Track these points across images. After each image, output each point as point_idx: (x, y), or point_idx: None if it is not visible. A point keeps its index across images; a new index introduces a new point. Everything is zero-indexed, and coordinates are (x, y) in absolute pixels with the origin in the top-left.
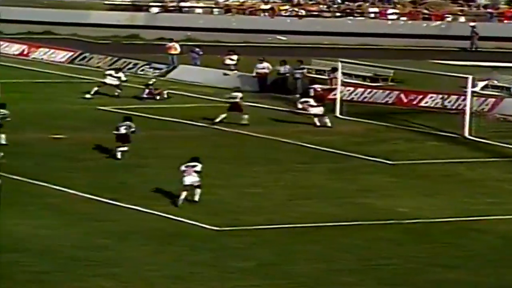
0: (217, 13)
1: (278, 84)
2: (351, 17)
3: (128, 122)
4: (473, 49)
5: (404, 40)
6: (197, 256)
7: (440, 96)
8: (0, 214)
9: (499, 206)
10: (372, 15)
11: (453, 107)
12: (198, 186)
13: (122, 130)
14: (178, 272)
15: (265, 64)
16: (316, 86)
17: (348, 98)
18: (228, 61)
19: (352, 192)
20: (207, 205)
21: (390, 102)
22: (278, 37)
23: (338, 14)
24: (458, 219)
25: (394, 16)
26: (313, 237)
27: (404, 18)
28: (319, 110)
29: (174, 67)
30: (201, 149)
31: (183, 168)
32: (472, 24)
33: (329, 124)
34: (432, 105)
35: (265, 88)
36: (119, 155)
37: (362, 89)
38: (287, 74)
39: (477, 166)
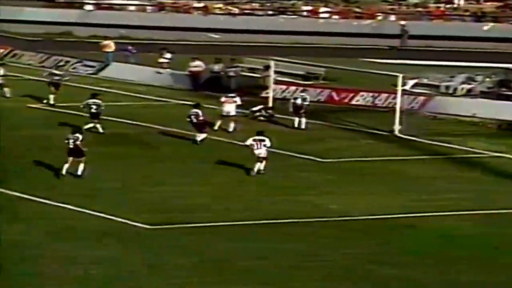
0: (150, 10)
1: (212, 82)
2: (284, 16)
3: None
4: (404, 48)
5: (336, 39)
6: (134, 255)
7: (371, 94)
8: None
9: (433, 203)
10: (305, 13)
11: (384, 105)
12: (264, 158)
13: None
14: (114, 271)
15: (198, 62)
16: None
17: (281, 97)
18: (161, 59)
19: (287, 190)
20: (144, 203)
21: (322, 100)
22: (212, 35)
23: (270, 12)
24: (392, 216)
25: (326, 15)
26: (252, 234)
27: (336, 17)
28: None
29: (107, 65)
30: (137, 147)
31: (251, 141)
32: (402, 22)
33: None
34: (363, 103)
35: (198, 86)
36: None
37: (294, 88)
38: (221, 73)
39: (409, 164)
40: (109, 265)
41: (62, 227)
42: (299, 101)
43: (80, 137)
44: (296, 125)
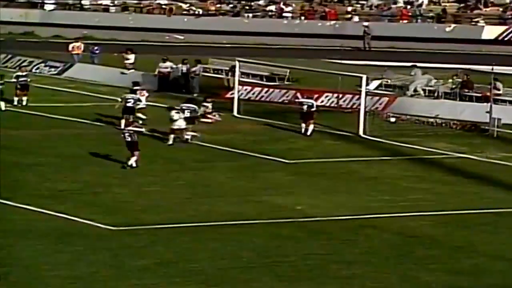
0: (113, 11)
1: (179, 83)
2: (248, 16)
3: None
4: (367, 49)
5: (300, 40)
6: (95, 256)
7: (335, 95)
8: None
9: (396, 203)
10: (270, 14)
11: (348, 106)
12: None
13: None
14: (75, 272)
15: (168, 64)
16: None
17: (246, 97)
18: (125, 60)
19: (252, 190)
20: (105, 204)
21: (286, 101)
22: (175, 36)
23: (235, 12)
24: (355, 216)
25: (290, 15)
26: (213, 235)
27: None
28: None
29: (71, 65)
30: (100, 148)
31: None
32: (365, 23)
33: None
34: (327, 104)
35: (164, 87)
36: None
37: (259, 88)
38: (189, 74)
39: (372, 164)
40: (71, 266)
41: (24, 228)
42: (305, 108)
43: (143, 130)
44: (303, 132)
